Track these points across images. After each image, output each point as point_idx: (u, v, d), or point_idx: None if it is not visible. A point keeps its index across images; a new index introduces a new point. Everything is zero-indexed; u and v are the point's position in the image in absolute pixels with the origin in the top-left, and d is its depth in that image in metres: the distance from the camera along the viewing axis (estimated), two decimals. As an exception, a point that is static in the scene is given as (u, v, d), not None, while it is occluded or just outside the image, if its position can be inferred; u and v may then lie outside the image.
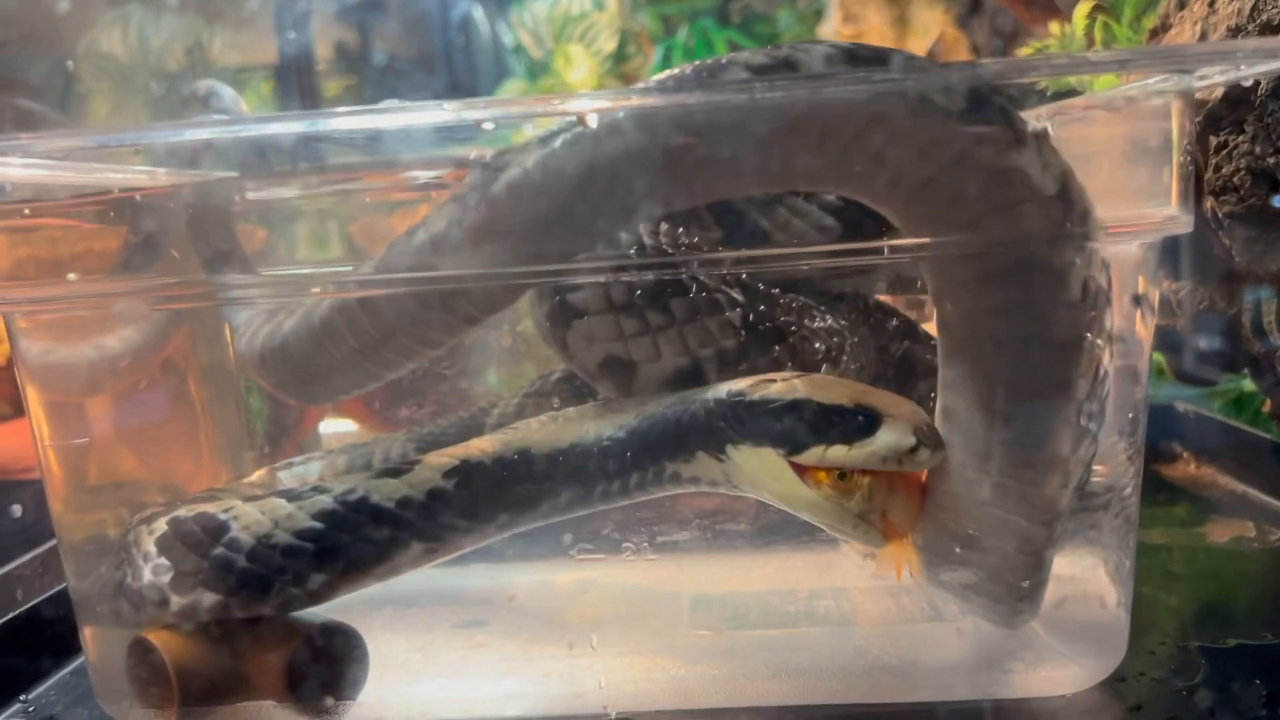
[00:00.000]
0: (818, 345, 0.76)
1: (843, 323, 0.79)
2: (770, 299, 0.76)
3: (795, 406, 0.66)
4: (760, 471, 0.68)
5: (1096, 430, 0.67)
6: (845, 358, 0.77)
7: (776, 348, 0.74)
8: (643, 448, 0.71)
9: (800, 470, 0.67)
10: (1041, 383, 0.63)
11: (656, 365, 0.73)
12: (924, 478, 0.68)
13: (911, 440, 0.65)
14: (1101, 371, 0.64)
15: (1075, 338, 0.62)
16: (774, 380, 0.69)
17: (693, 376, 0.73)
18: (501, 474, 0.71)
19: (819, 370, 0.76)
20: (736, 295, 0.74)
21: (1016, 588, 0.70)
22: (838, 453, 0.65)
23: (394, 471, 0.70)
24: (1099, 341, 0.63)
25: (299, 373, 0.79)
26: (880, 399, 0.67)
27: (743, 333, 0.73)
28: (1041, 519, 0.66)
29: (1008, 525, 0.66)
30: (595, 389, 0.79)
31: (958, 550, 0.68)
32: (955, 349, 0.66)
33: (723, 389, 0.70)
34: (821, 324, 0.77)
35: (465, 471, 0.70)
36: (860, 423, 0.65)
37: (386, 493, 0.69)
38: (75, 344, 0.79)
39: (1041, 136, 0.60)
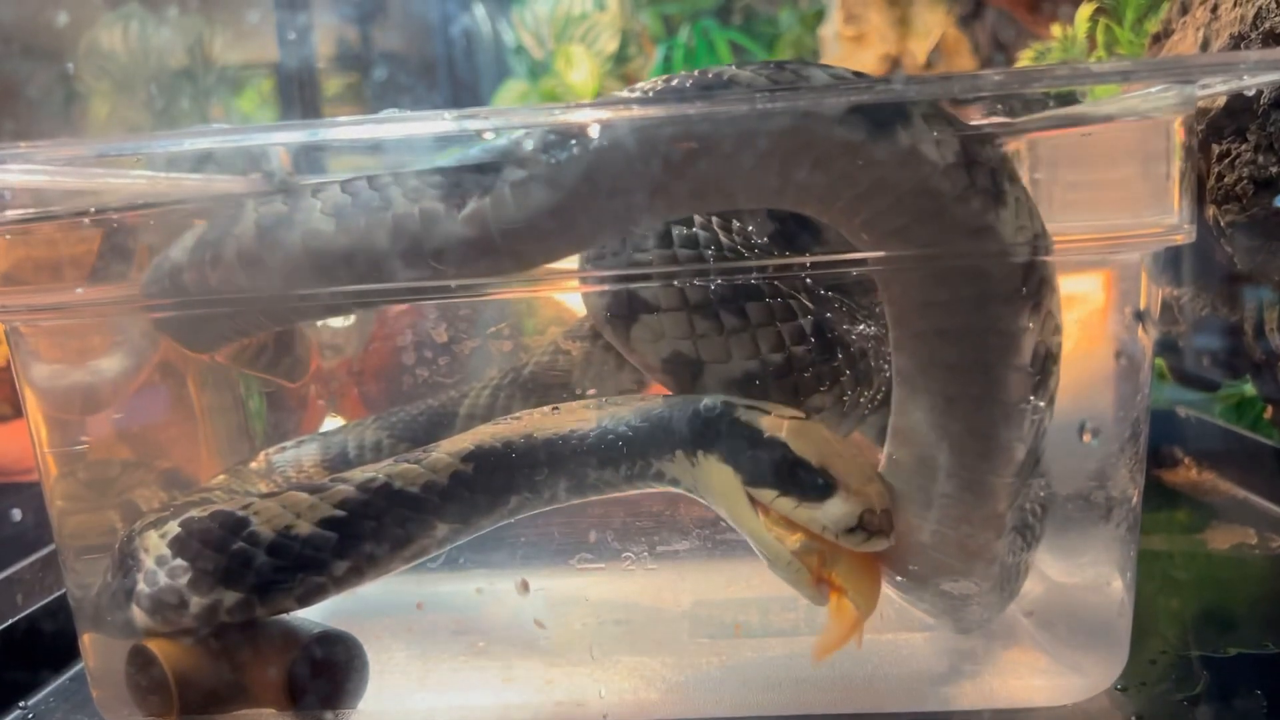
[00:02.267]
0: (869, 350, 0.77)
1: (881, 329, 0.80)
2: (834, 305, 0.76)
3: (769, 445, 0.67)
4: (720, 485, 0.70)
5: (1029, 487, 0.68)
6: (885, 365, 0.78)
7: (840, 355, 0.75)
8: (634, 440, 0.72)
9: (754, 498, 0.68)
10: (984, 442, 0.64)
11: (724, 366, 0.73)
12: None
13: (853, 522, 0.65)
14: (1042, 431, 0.65)
15: (1020, 401, 0.63)
16: (768, 411, 0.69)
17: (759, 379, 0.73)
18: (511, 457, 0.72)
19: (870, 378, 0.77)
20: (806, 301, 0.75)
21: (956, 615, 0.72)
22: (785, 504, 0.66)
23: (411, 459, 0.72)
24: (1042, 404, 0.63)
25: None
26: (850, 469, 0.67)
27: (812, 339, 0.74)
28: (977, 564, 0.67)
29: (945, 567, 0.68)
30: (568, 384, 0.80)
31: (899, 579, 0.70)
32: (905, 401, 0.66)
33: (719, 398, 0.71)
34: (868, 330, 0.78)
35: (480, 456, 0.72)
36: (817, 485, 0.66)
37: (410, 478, 0.70)
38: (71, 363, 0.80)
39: (1022, 198, 0.61)
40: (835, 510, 0.65)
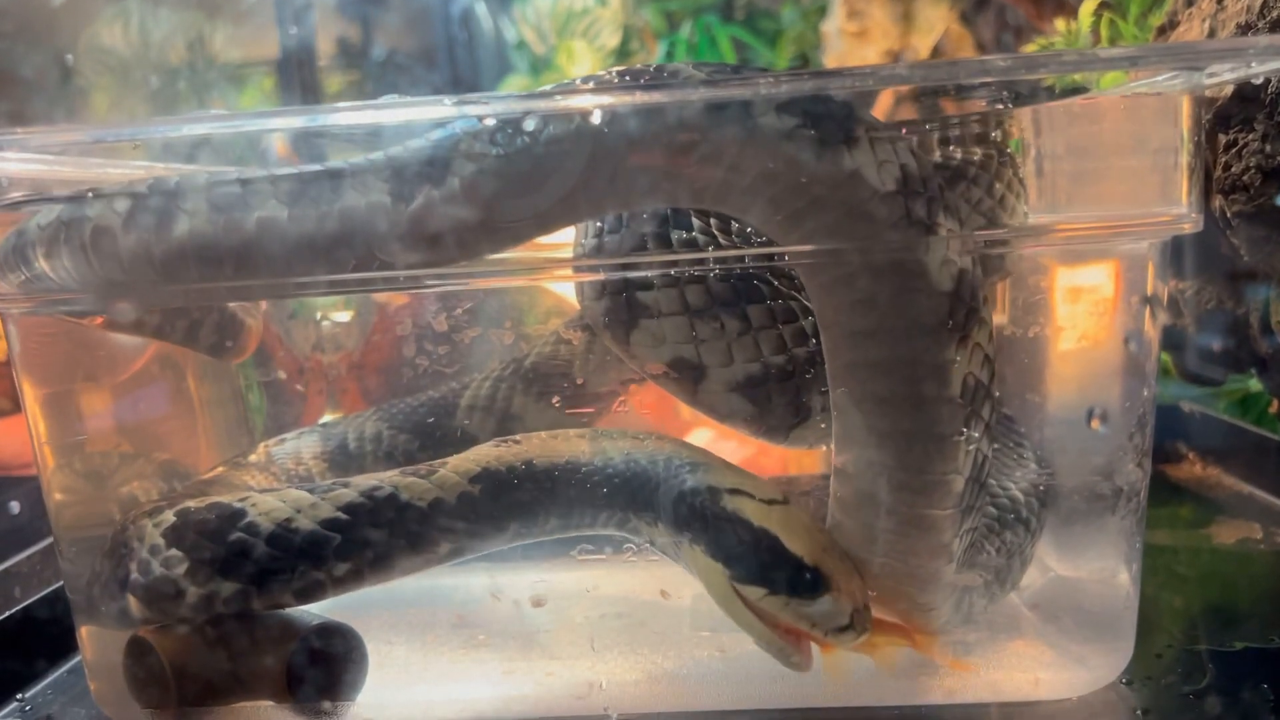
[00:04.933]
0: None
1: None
2: None
3: (760, 539, 0.66)
4: (704, 574, 0.69)
5: (979, 510, 0.67)
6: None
7: None
8: (619, 488, 0.72)
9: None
10: (920, 477, 0.63)
11: (727, 370, 0.73)
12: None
13: (845, 620, 0.65)
14: (981, 461, 0.65)
15: (953, 434, 0.62)
16: (752, 496, 0.68)
17: (761, 382, 0.73)
18: (513, 482, 0.71)
19: None
20: (808, 302, 0.74)
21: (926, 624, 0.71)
22: (776, 603, 0.66)
23: (417, 473, 0.71)
24: (977, 435, 0.63)
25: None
26: (835, 564, 0.67)
27: (814, 340, 0.73)
28: (928, 590, 0.67)
29: (898, 593, 0.68)
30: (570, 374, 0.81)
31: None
32: (842, 436, 0.66)
33: (703, 478, 0.69)
34: None
35: (487, 478, 0.71)
36: (807, 581, 0.65)
37: (418, 492, 0.69)
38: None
39: (955, 229, 0.61)
40: (828, 608, 0.65)
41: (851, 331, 0.63)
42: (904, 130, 0.63)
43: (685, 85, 0.60)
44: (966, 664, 0.72)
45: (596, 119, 0.57)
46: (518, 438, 0.75)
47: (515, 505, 0.71)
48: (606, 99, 0.58)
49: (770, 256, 0.67)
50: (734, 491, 0.68)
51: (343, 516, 0.68)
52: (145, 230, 0.62)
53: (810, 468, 0.83)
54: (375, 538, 0.68)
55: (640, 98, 0.58)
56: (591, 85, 0.64)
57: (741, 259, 0.72)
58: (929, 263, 0.60)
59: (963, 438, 0.62)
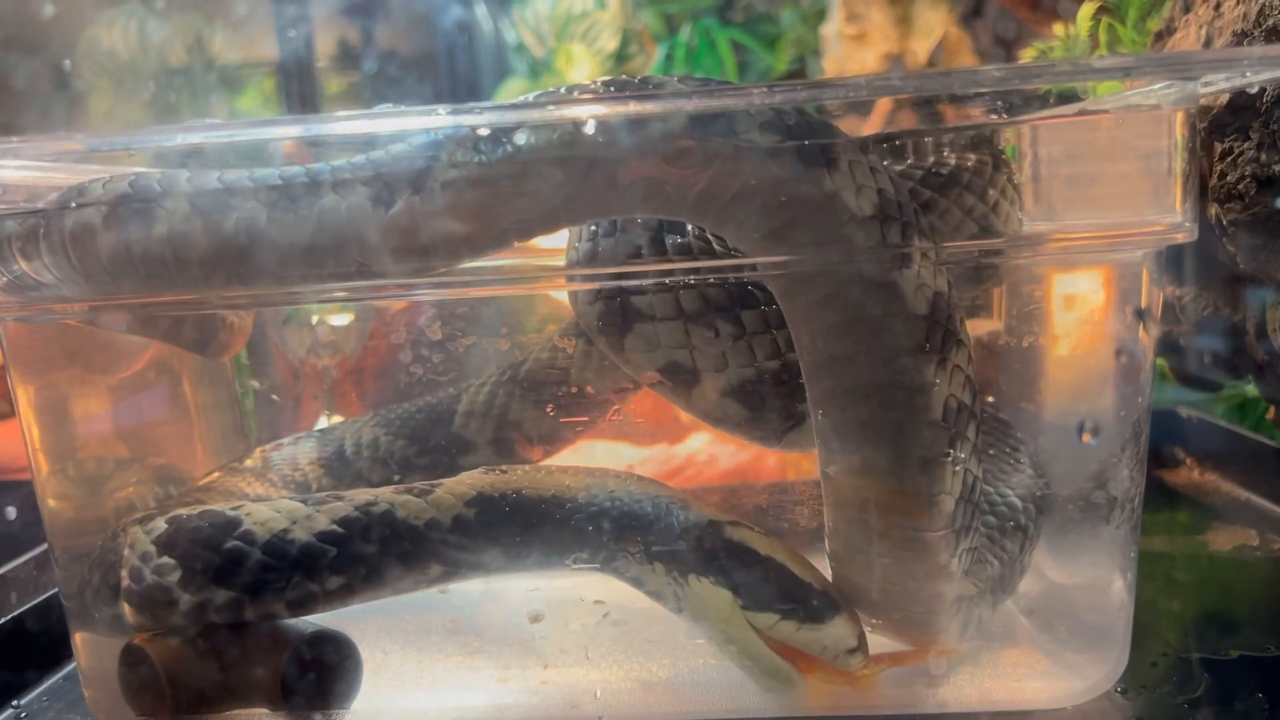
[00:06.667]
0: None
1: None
2: None
3: (770, 566, 0.67)
4: (715, 609, 0.68)
5: (975, 530, 0.67)
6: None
7: None
8: (609, 525, 0.71)
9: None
10: (909, 500, 0.63)
11: (721, 375, 0.73)
12: None
13: (854, 642, 0.66)
14: (971, 481, 0.65)
15: (938, 455, 0.62)
16: (751, 527, 0.69)
17: (755, 387, 0.73)
18: (505, 509, 0.71)
19: None
20: None
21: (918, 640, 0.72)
22: (786, 628, 0.66)
23: (415, 491, 0.71)
24: (963, 455, 0.63)
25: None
26: (834, 589, 0.67)
27: None
28: (932, 612, 0.68)
29: (898, 618, 0.69)
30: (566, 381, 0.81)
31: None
32: (828, 462, 0.66)
33: (700, 514, 0.69)
34: None
35: (482, 503, 0.70)
36: (815, 606, 0.66)
37: (413, 511, 0.69)
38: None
39: (930, 254, 0.61)
40: (839, 631, 0.66)
41: (830, 356, 0.63)
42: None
43: (672, 97, 0.59)
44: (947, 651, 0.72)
45: (581, 130, 0.57)
46: (504, 468, 0.75)
47: (507, 532, 0.71)
48: (596, 110, 0.58)
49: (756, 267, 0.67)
50: (733, 524, 0.69)
51: (338, 530, 0.68)
52: (125, 228, 0.62)
53: (809, 473, 0.83)
54: (369, 553, 0.68)
55: (625, 109, 0.58)
56: (577, 95, 0.63)
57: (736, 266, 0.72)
58: (904, 286, 0.60)
59: (949, 458, 0.62)
